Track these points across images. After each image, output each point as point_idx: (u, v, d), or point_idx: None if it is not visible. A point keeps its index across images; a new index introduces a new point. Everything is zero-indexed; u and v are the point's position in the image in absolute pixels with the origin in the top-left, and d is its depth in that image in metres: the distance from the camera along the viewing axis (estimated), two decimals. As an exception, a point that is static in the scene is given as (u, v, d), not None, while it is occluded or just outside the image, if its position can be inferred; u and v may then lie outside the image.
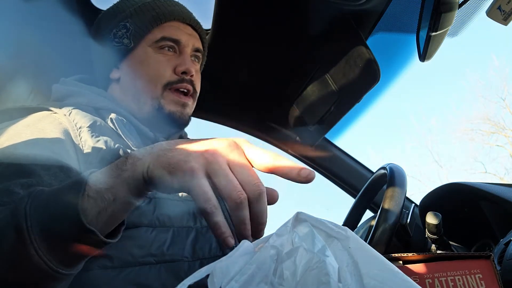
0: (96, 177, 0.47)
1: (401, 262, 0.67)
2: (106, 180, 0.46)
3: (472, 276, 0.65)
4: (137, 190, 0.47)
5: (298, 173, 0.44)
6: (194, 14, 0.96)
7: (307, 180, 0.45)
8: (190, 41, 0.89)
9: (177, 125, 0.87)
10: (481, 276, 0.64)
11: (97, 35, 0.90)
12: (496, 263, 0.83)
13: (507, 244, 0.87)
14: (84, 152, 0.67)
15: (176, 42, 0.87)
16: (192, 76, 0.87)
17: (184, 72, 0.85)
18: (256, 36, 1.21)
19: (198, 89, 0.90)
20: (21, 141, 0.63)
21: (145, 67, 0.84)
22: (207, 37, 1.02)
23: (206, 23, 0.99)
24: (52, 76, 0.90)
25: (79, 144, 0.68)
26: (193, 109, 0.91)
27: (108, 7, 0.92)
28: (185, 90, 0.86)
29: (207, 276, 0.39)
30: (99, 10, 1.16)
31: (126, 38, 0.84)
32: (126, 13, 0.86)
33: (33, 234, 0.43)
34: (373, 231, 0.95)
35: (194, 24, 0.92)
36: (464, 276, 0.65)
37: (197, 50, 0.91)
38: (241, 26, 1.18)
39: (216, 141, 0.47)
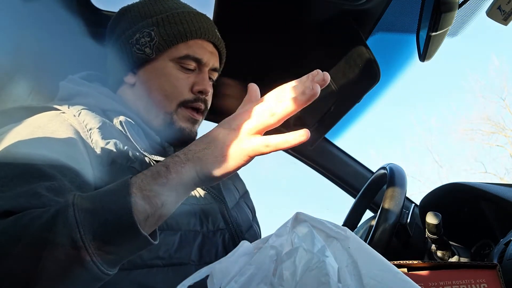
0: (140, 184, 0.50)
1: (406, 269, 0.67)
2: (152, 187, 0.50)
3: (477, 285, 0.65)
4: (186, 193, 0.53)
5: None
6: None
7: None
8: (211, 61, 0.89)
9: (184, 141, 0.85)
10: (486, 286, 0.64)
11: (114, 33, 0.88)
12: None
13: (507, 244, 0.87)
14: (95, 153, 0.67)
15: (198, 61, 0.86)
16: (207, 95, 0.87)
17: (200, 92, 0.86)
18: (256, 36, 1.21)
19: (209, 106, 0.91)
20: (34, 142, 0.63)
21: (163, 81, 0.83)
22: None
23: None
24: (52, 76, 0.90)
25: (90, 145, 0.68)
26: (200, 125, 0.92)
27: (108, 7, 0.91)
28: (198, 108, 0.87)
29: (207, 276, 0.39)
30: (99, 10, 1.17)
31: (148, 47, 0.83)
32: (153, 20, 0.84)
33: (87, 242, 0.45)
34: (373, 231, 0.95)
35: (217, 43, 0.91)
36: (469, 285, 0.65)
37: (214, 69, 0.91)
38: (241, 25, 1.18)
39: (232, 122, 0.55)
